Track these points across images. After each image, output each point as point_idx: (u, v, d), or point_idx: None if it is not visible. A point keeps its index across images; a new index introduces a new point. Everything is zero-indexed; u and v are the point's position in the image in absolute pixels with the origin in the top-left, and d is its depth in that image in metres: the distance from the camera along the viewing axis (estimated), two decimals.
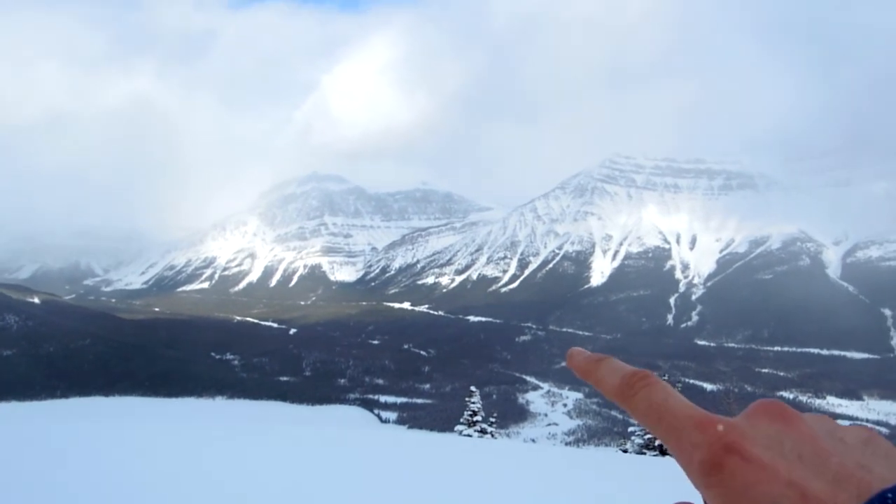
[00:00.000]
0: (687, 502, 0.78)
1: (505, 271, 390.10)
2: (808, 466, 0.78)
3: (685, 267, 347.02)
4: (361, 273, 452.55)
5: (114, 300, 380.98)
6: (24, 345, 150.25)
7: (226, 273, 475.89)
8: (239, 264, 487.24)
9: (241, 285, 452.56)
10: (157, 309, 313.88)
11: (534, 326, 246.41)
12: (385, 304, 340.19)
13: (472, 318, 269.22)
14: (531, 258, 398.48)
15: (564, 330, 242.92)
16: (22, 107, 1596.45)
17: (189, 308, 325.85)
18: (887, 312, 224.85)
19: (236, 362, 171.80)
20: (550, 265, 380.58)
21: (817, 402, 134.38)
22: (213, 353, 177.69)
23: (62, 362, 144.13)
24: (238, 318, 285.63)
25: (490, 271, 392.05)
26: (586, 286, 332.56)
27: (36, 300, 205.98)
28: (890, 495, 0.77)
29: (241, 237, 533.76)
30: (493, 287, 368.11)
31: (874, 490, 0.78)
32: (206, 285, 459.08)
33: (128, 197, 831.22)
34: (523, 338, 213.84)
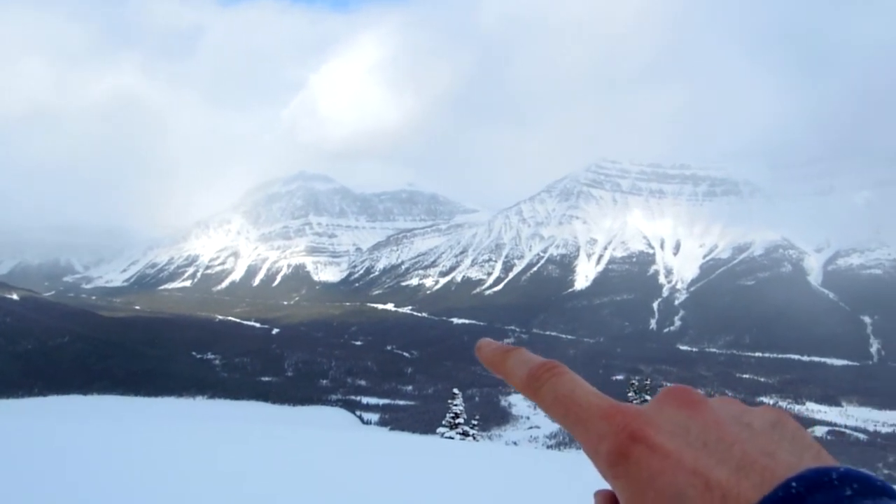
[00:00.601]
0: (607, 490, 0.77)
1: (489, 274, 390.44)
2: (713, 454, 0.78)
3: (669, 272, 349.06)
4: (345, 273, 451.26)
5: (94, 298, 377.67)
6: (1, 342, 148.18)
7: (208, 272, 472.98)
8: (222, 263, 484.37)
9: (224, 284, 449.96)
10: (137, 307, 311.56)
11: (518, 329, 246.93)
12: (369, 304, 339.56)
13: (455, 321, 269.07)
14: (516, 261, 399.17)
15: (548, 333, 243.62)
16: (6, 100, 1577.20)
17: (170, 306, 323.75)
18: (867, 320, 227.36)
19: (217, 362, 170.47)
20: (535, 268, 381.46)
21: (797, 407, 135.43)
22: (194, 353, 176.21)
23: (40, 360, 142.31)
24: (220, 317, 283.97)
25: (474, 274, 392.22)
26: (570, 290, 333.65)
27: (14, 296, 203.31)
28: (794, 484, 0.77)
29: (224, 236, 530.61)
30: (478, 289, 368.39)
31: (778, 477, 0.77)
32: (188, 284, 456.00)
33: (111, 193, 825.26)
34: (507, 340, 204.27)
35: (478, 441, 29.06)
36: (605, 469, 0.77)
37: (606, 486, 0.77)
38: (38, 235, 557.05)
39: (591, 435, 0.77)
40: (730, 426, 0.78)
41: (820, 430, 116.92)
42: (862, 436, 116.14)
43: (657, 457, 0.77)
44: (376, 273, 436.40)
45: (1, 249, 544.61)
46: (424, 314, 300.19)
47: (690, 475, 0.77)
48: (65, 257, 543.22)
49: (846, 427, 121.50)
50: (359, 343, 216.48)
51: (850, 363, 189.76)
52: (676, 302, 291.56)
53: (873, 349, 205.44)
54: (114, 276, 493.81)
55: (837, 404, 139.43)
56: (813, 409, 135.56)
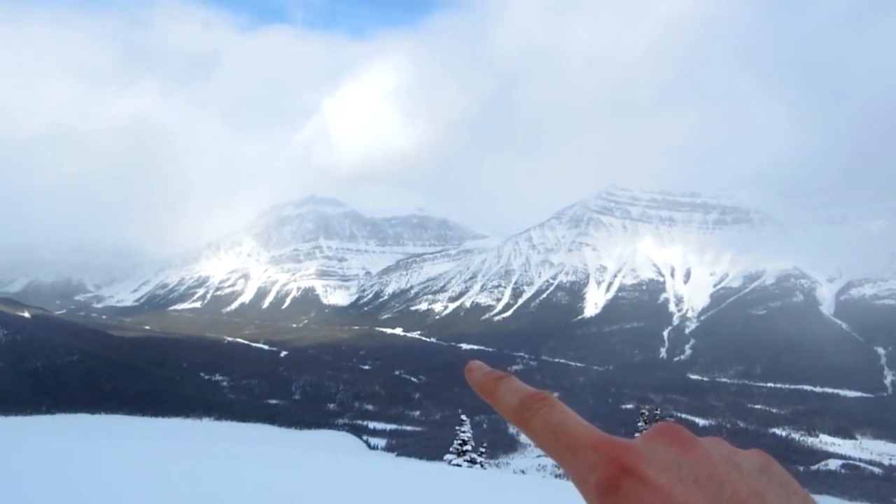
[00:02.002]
0: None
1: (499, 300, 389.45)
2: (703, 490, 0.79)
3: (679, 300, 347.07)
4: (355, 297, 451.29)
5: (105, 317, 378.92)
6: (11, 359, 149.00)
7: (218, 293, 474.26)
8: (232, 285, 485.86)
9: (234, 306, 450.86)
10: (147, 327, 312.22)
11: (526, 356, 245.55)
12: (377, 329, 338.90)
13: (464, 346, 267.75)
14: (525, 287, 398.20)
15: (557, 360, 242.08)
16: (26, 121, 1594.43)
17: (180, 327, 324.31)
18: (881, 351, 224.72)
19: (225, 383, 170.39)
20: (544, 295, 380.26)
21: (810, 440, 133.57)
22: (202, 374, 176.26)
23: (50, 378, 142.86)
24: (229, 338, 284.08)
25: (484, 299, 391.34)
26: (580, 317, 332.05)
27: (26, 314, 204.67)
28: None
29: (235, 257, 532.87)
30: (487, 315, 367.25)
31: None
32: (198, 304, 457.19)
33: (125, 214, 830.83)
34: (515, 367, 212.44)
35: (485, 469, 28.78)
36: (594, 499, 0.79)
37: None
38: (51, 254, 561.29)
39: (580, 465, 0.79)
40: (720, 465, 0.80)
41: (834, 464, 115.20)
42: (877, 469, 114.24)
43: (647, 490, 0.79)
44: (385, 297, 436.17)
45: (14, 268, 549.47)
46: (433, 339, 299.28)
47: None
48: (77, 276, 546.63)
49: (860, 460, 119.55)
50: (367, 367, 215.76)
51: (864, 395, 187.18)
52: (687, 330, 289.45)
53: (888, 381, 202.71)
54: (125, 295, 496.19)
55: (851, 437, 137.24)
56: (826, 441, 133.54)
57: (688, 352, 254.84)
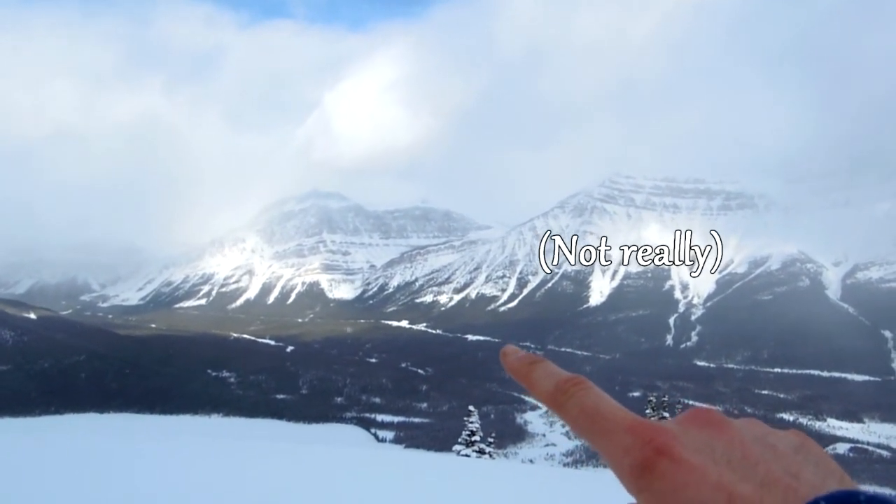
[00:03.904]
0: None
1: (503, 290, 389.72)
2: (737, 471, 0.80)
3: (684, 287, 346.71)
4: (360, 291, 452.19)
5: (110, 316, 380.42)
6: (19, 360, 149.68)
7: (223, 289, 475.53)
8: (237, 281, 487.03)
9: (239, 302, 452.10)
10: (153, 325, 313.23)
11: (532, 346, 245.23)
12: (383, 321, 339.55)
13: (470, 337, 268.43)
14: (530, 277, 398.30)
15: (563, 349, 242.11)
16: (32, 121, 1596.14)
17: (186, 324, 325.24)
18: (888, 334, 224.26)
19: (233, 380, 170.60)
20: (549, 284, 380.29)
21: (817, 424, 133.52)
22: (209, 371, 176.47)
23: (57, 378, 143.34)
24: (235, 334, 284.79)
25: (489, 290, 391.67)
26: (585, 306, 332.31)
27: (32, 315, 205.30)
28: (822, 503, 0.79)
29: (239, 254, 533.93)
30: (492, 306, 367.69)
31: (802, 496, 0.80)
32: (203, 301, 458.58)
33: (128, 212, 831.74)
34: None
35: (494, 459, 28.76)
36: (630, 481, 0.80)
37: (625, 502, 0.78)
38: (56, 254, 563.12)
39: (616, 447, 0.80)
40: (754, 446, 0.80)
41: (842, 447, 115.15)
42: (885, 453, 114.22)
43: (682, 470, 0.79)
44: (390, 290, 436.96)
45: (19, 269, 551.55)
46: (439, 331, 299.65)
47: (714, 489, 0.79)
48: (82, 276, 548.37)
49: (868, 444, 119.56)
50: (373, 360, 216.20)
51: (872, 378, 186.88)
52: (693, 317, 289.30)
53: (895, 364, 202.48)
54: (130, 294, 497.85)
55: (859, 420, 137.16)
56: (834, 425, 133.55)
57: (694, 338, 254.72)
